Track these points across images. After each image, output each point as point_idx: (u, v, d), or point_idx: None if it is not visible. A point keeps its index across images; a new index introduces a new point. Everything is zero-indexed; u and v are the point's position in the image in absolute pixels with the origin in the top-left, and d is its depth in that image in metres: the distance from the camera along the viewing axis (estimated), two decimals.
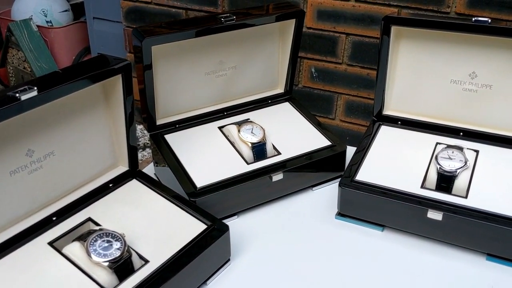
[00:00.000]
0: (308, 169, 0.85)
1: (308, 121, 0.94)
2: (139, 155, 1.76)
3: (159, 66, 0.84)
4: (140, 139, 1.92)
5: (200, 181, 0.79)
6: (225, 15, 0.84)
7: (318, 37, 1.48)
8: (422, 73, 0.86)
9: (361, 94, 1.52)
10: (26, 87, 0.59)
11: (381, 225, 0.78)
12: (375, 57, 1.40)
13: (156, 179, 0.83)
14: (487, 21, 0.76)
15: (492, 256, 0.72)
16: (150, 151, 1.86)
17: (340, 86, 1.67)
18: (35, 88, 0.59)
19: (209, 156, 0.84)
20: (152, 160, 0.91)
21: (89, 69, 0.66)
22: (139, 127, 1.93)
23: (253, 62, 0.95)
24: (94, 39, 2.01)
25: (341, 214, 0.81)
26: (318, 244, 0.77)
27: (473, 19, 0.77)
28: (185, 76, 0.88)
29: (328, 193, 0.87)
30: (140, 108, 0.87)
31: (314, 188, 0.88)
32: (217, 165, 0.82)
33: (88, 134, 0.72)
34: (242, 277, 0.70)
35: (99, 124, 0.73)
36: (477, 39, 0.80)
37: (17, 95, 0.58)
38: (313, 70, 1.69)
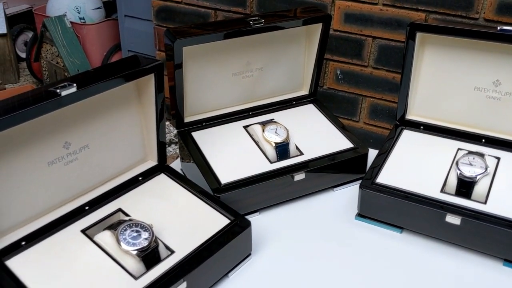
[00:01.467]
0: (330, 170, 0.88)
1: (332, 123, 0.96)
2: None
3: (188, 66, 0.87)
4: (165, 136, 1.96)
5: (225, 177, 0.82)
6: (254, 18, 0.87)
7: (344, 40, 1.49)
8: (446, 79, 0.87)
9: (386, 97, 1.53)
10: (66, 83, 0.63)
11: (400, 227, 0.80)
12: (401, 61, 1.41)
13: (182, 174, 0.87)
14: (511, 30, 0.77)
15: (509, 262, 0.73)
16: (175, 147, 1.90)
17: (365, 89, 1.68)
18: (74, 84, 0.63)
19: (233, 154, 0.87)
20: (179, 156, 0.95)
21: (122, 69, 0.70)
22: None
23: (279, 64, 0.98)
24: (124, 37, 2.07)
25: (360, 215, 0.83)
26: (337, 243, 0.79)
27: (498, 28, 0.78)
28: (213, 76, 0.91)
29: (349, 194, 0.89)
30: (169, 105, 0.91)
31: (335, 189, 0.91)
32: (241, 163, 0.85)
33: (121, 129, 0.76)
34: (262, 271, 0.73)
35: (131, 120, 0.77)
36: (502, 47, 0.80)
37: (58, 90, 0.62)
38: (338, 72, 1.70)
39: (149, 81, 0.74)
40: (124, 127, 0.76)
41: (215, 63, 0.90)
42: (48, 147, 0.67)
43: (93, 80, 0.66)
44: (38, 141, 0.65)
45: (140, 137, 0.80)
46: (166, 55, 0.85)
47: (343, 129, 0.94)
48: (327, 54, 1.69)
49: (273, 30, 0.89)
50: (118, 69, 0.70)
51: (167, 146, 1.89)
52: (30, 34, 2.56)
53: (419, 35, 0.84)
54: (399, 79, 1.44)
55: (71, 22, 2.16)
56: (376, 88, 1.66)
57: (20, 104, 0.59)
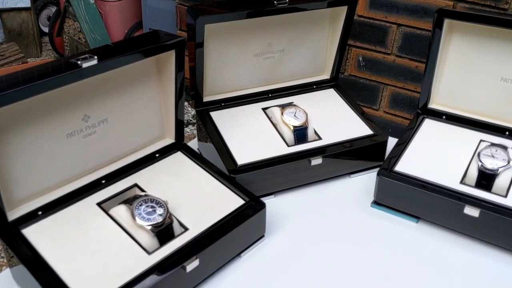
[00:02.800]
0: (347, 156, 0.87)
1: (352, 109, 0.95)
2: None
3: (210, 45, 0.86)
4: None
5: (241, 159, 0.81)
6: None
7: (368, 26, 1.47)
8: (472, 68, 0.85)
9: (408, 86, 1.50)
10: (87, 55, 0.63)
11: (416, 217, 0.79)
12: (425, 49, 1.38)
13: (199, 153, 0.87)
14: None
15: None
16: (192, 128, 1.91)
17: (387, 77, 1.65)
18: (95, 57, 0.63)
19: (251, 136, 0.87)
20: (196, 136, 0.95)
21: (143, 44, 0.70)
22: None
23: (301, 46, 0.96)
24: (146, 15, 2.07)
25: (377, 203, 0.82)
26: (351, 230, 0.78)
27: None
28: (234, 56, 0.91)
29: (365, 182, 0.88)
30: (189, 85, 0.90)
31: (352, 176, 0.90)
32: (259, 145, 0.85)
33: (140, 105, 0.76)
34: (275, 253, 0.73)
35: (151, 96, 0.77)
36: None
37: (79, 62, 0.62)
38: (360, 58, 1.68)
39: (170, 57, 0.73)
40: (143, 103, 0.76)
41: (237, 43, 0.89)
42: (68, 119, 0.67)
43: (114, 53, 0.65)
44: (58, 113, 0.65)
45: (158, 114, 0.79)
46: (187, 35, 0.84)
47: (363, 115, 0.93)
48: (350, 40, 1.66)
49: (297, 11, 0.88)
50: (139, 44, 0.69)
51: (184, 126, 1.90)
52: (53, 9, 2.58)
53: (446, 22, 0.82)
54: (422, 68, 1.41)
55: None
56: (398, 77, 1.63)
57: (40, 74, 0.60)
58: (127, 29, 2.24)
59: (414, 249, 0.75)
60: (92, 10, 2.15)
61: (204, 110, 0.91)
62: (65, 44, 2.34)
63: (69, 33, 2.27)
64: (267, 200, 0.83)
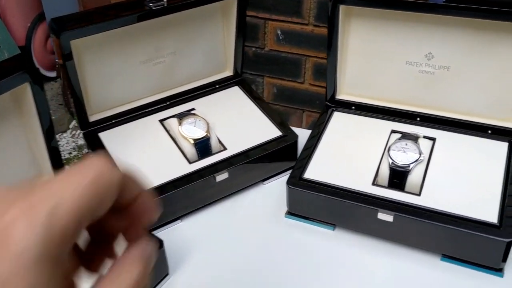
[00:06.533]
0: (257, 164, 0.79)
1: (259, 107, 0.87)
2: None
3: (86, 59, 0.76)
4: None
5: None
6: None
7: None
8: (376, 54, 0.79)
9: None
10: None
11: (333, 224, 0.74)
12: None
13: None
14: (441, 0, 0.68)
15: (447, 257, 0.68)
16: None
17: (308, 48, 1.59)
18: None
19: (148, 156, 0.78)
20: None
21: None
22: None
23: (194, 46, 0.87)
24: (47, 4, 1.89)
25: (291, 213, 0.76)
26: (267, 246, 0.73)
27: None
28: (117, 67, 0.80)
29: (280, 187, 0.81)
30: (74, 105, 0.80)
31: (265, 182, 0.83)
32: (157, 166, 0.76)
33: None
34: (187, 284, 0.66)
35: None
36: (432, 18, 0.72)
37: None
38: (279, 32, 1.60)
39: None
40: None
41: (118, 52, 0.79)
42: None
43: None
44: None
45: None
46: (55, 50, 0.73)
47: (270, 114, 0.86)
48: (265, 13, 1.58)
49: (178, 11, 0.78)
50: None
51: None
52: None
53: (342, 8, 0.74)
54: None
55: None
56: (318, 47, 1.57)
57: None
58: (29, 22, 2.04)
59: (332, 257, 0.70)
60: None
61: (92, 132, 0.80)
62: None
63: None
64: (173, 226, 0.75)
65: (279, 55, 1.60)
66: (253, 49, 1.63)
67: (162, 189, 0.73)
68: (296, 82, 1.65)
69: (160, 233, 0.74)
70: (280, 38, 1.61)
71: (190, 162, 0.77)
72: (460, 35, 0.72)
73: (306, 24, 1.51)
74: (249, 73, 1.79)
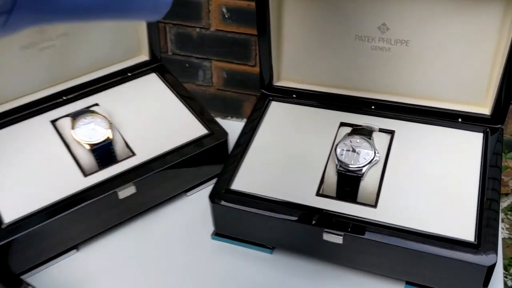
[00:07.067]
0: (174, 173, 0.63)
1: (180, 99, 0.70)
2: None
3: None
4: None
5: (9, 213, 0.55)
6: None
7: None
8: (318, 29, 0.63)
9: None
10: None
11: (269, 248, 0.59)
12: None
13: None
14: None
15: (411, 284, 0.54)
16: None
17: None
18: None
19: (31, 169, 0.60)
20: None
21: None
22: None
23: (93, 24, 0.69)
24: None
25: (218, 234, 0.60)
26: (189, 276, 0.57)
27: None
28: None
29: (208, 199, 0.66)
30: None
31: (188, 194, 0.67)
32: (42, 181, 0.59)
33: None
34: None
35: None
36: None
37: None
38: (224, 10, 1.43)
39: None
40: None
41: None
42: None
43: None
44: None
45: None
46: None
47: (194, 108, 0.69)
48: None
49: None
50: None
51: None
52: None
53: None
54: None
55: None
56: None
57: None
58: None
59: (268, 285, 0.55)
60: None
61: None
62: None
63: None
64: (66, 258, 0.59)
65: (226, 36, 1.44)
66: (197, 29, 1.46)
67: (49, 211, 0.56)
68: (247, 66, 1.50)
69: (50, 268, 0.58)
70: (226, 16, 1.44)
71: (85, 175, 0.60)
72: (420, 1, 0.57)
73: (253, 0, 1.35)
74: (195, 57, 1.62)
